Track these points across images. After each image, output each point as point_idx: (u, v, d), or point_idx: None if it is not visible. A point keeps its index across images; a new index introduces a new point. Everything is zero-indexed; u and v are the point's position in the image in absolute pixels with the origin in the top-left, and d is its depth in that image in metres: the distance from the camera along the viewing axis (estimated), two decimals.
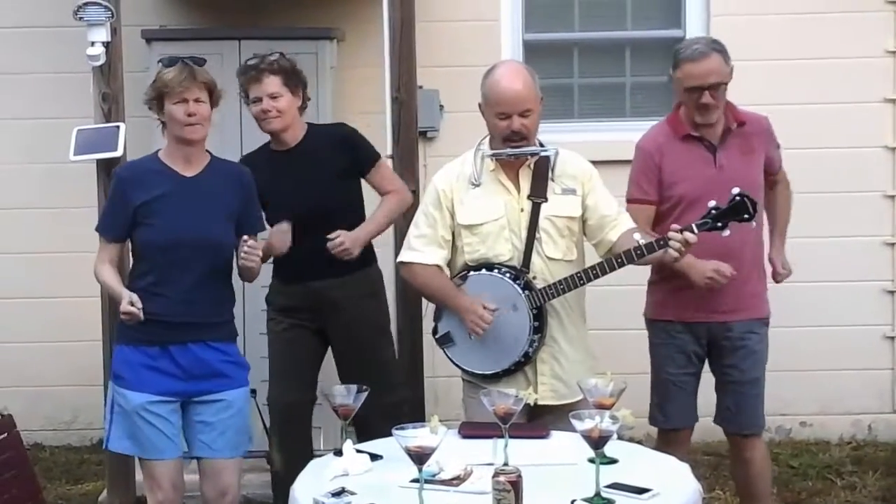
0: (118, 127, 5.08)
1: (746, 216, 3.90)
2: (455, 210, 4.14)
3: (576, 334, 4.21)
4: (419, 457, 3.03)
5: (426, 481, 3.11)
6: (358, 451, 3.51)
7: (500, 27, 6.47)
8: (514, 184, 4.13)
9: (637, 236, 3.97)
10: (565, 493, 3.11)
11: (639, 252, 3.94)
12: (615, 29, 6.64)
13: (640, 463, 3.51)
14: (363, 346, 4.79)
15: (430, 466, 3.14)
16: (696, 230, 3.88)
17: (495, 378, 4.10)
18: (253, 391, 4.63)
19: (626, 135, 6.33)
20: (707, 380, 4.66)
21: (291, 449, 4.79)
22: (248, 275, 4.21)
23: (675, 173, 4.47)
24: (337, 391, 3.56)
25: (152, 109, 4.15)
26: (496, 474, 3.03)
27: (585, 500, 3.09)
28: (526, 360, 4.10)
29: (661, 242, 3.91)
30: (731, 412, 4.58)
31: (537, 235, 4.09)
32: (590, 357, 4.26)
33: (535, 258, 4.09)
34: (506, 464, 3.17)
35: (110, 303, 4.70)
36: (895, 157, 6.43)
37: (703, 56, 4.38)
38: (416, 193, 5.01)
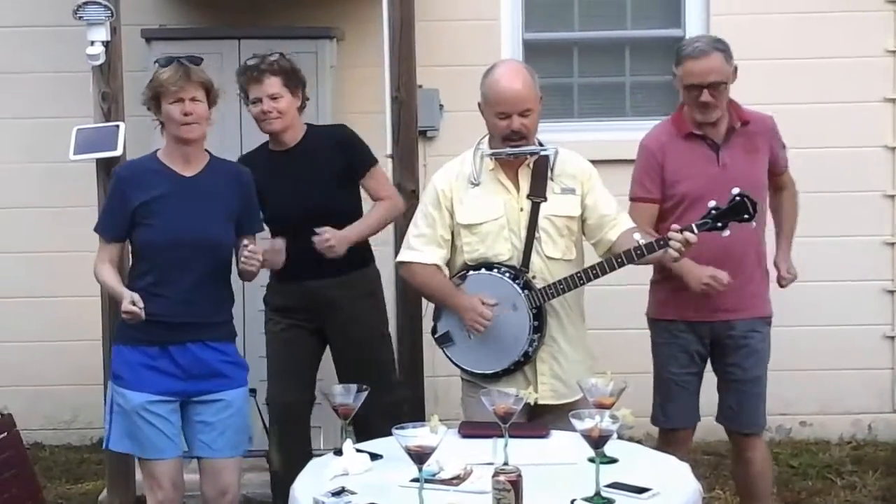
0: (118, 126, 5.08)
1: (746, 216, 3.90)
2: (454, 209, 4.14)
3: (575, 334, 4.21)
4: (419, 456, 3.03)
5: (426, 481, 3.11)
6: (358, 450, 3.51)
7: (499, 26, 6.47)
8: (513, 183, 4.13)
9: (637, 236, 3.96)
10: (565, 493, 3.11)
11: (639, 252, 3.94)
12: (615, 28, 6.64)
13: (640, 462, 3.51)
14: (361, 346, 4.79)
15: (430, 466, 3.14)
16: (695, 230, 3.88)
17: (495, 377, 4.10)
18: (253, 391, 4.63)
19: (626, 134, 6.35)
20: (707, 379, 4.65)
21: (290, 449, 4.79)
22: (248, 276, 4.21)
23: (678, 172, 4.47)
24: (337, 390, 3.56)
25: (151, 110, 4.15)
26: (496, 474, 3.03)
27: (585, 499, 3.09)
28: (525, 360, 4.10)
29: (662, 242, 3.91)
30: (734, 411, 4.58)
31: (537, 235, 4.09)
32: (589, 357, 4.26)
33: (534, 258, 4.09)
34: (506, 463, 3.17)
35: (110, 302, 4.70)
36: (895, 156, 6.43)
37: (704, 54, 4.38)
38: (415, 193, 5.01)
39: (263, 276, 4.60)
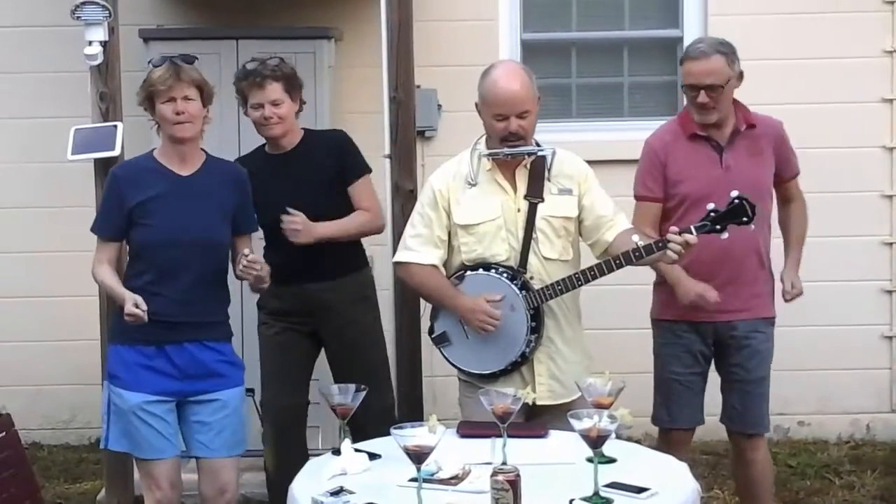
0: (115, 126, 5.08)
1: (745, 219, 3.89)
2: (451, 210, 4.14)
3: (572, 335, 4.21)
4: (417, 456, 3.03)
5: (424, 480, 3.11)
6: (356, 450, 3.51)
7: (497, 27, 6.47)
8: (510, 184, 4.13)
9: (635, 238, 3.96)
10: (564, 493, 3.11)
11: (637, 254, 3.93)
12: (613, 29, 6.64)
13: (638, 462, 3.51)
14: (355, 350, 4.78)
15: (428, 465, 3.14)
16: (694, 232, 3.88)
17: (492, 378, 4.10)
18: (251, 390, 4.63)
19: (624, 134, 6.38)
20: (709, 379, 4.65)
21: (286, 452, 4.78)
22: (257, 285, 4.20)
23: (681, 172, 4.48)
24: (335, 390, 3.57)
25: (146, 110, 4.15)
26: (494, 473, 3.03)
27: (584, 499, 3.09)
28: (523, 361, 4.10)
29: (660, 244, 3.91)
30: (737, 411, 4.58)
31: (534, 235, 4.09)
32: (586, 357, 4.25)
33: (531, 258, 4.09)
34: (504, 463, 3.17)
35: (108, 302, 4.69)
36: (893, 156, 6.44)
37: (704, 56, 4.39)
38: (413, 193, 5.00)
39: None
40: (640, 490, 3.17)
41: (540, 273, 4.09)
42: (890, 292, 6.48)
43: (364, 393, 3.55)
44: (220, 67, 5.50)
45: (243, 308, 5.15)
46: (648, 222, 4.47)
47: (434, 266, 4.17)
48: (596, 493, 3.10)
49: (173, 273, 4.04)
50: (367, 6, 6.00)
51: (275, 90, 4.62)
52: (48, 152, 5.99)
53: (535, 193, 4.10)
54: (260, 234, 4.56)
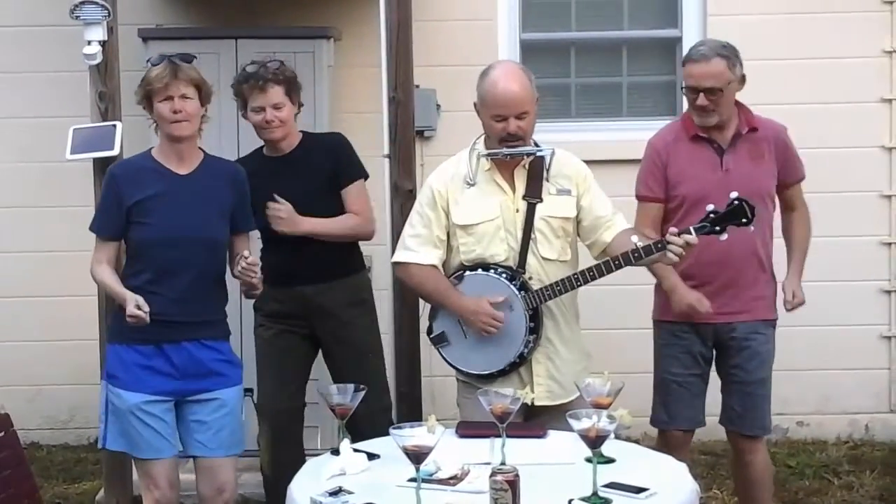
0: (115, 126, 5.08)
1: (745, 220, 3.89)
2: (450, 210, 4.13)
3: (570, 335, 4.21)
4: (416, 456, 3.03)
5: (423, 480, 3.11)
6: (355, 450, 3.51)
7: (496, 27, 6.46)
8: (509, 184, 4.13)
9: (634, 238, 3.96)
10: (562, 493, 3.12)
11: (636, 254, 3.93)
12: (612, 29, 6.64)
13: (637, 462, 3.51)
14: (352, 352, 4.77)
15: (427, 466, 3.14)
16: (693, 233, 3.87)
17: (490, 378, 4.10)
18: (249, 390, 4.63)
19: (623, 134, 6.39)
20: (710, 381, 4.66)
21: (283, 454, 4.78)
22: (250, 289, 4.20)
23: (681, 173, 4.48)
24: (333, 390, 3.57)
25: (145, 109, 4.15)
26: (493, 473, 3.03)
27: (583, 499, 3.09)
28: (521, 361, 4.10)
29: (659, 245, 3.91)
30: (736, 412, 4.58)
31: (532, 236, 4.09)
32: (585, 357, 4.25)
33: (530, 258, 4.09)
34: (503, 463, 3.17)
35: (107, 302, 4.69)
36: (892, 156, 6.44)
37: (704, 59, 4.39)
38: (412, 192, 5.00)
39: None
40: (639, 490, 3.17)
41: (539, 273, 4.09)
42: (889, 292, 6.48)
43: (363, 392, 3.55)
44: (219, 67, 5.50)
45: (242, 308, 5.15)
46: (649, 223, 4.47)
47: (433, 266, 4.17)
48: (595, 494, 3.10)
49: (172, 272, 4.04)
50: (366, 6, 6.00)
51: (276, 93, 4.61)
52: (48, 152, 5.98)
53: (533, 194, 4.10)
54: (257, 234, 4.55)
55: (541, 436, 3.77)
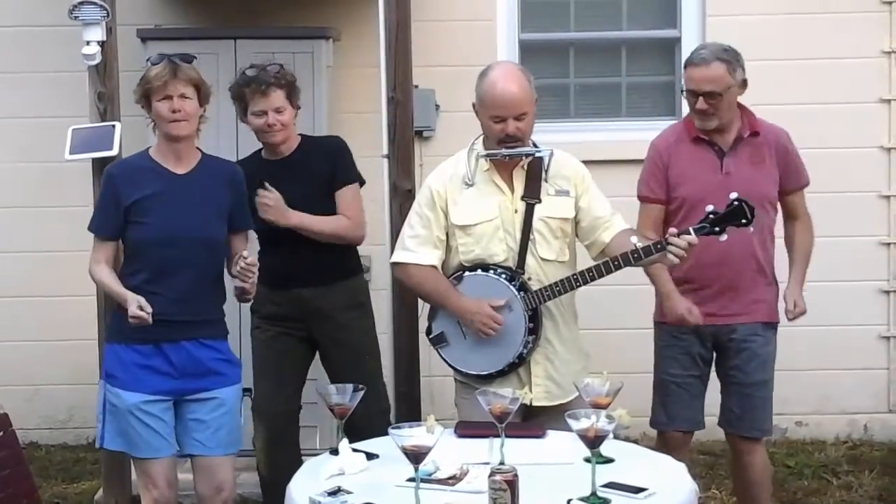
0: (114, 126, 5.07)
1: (744, 221, 3.89)
2: (449, 210, 4.13)
3: (569, 335, 4.21)
4: (415, 456, 3.03)
5: (422, 480, 3.11)
6: (354, 450, 3.51)
7: (496, 27, 6.47)
8: (507, 184, 4.13)
9: (633, 239, 3.97)
10: (561, 493, 3.12)
11: (636, 255, 3.93)
12: (611, 29, 6.64)
13: (636, 462, 3.51)
14: (349, 355, 4.76)
15: (426, 466, 3.14)
16: (693, 234, 3.87)
17: (489, 379, 4.10)
18: (248, 390, 4.63)
19: (622, 135, 6.39)
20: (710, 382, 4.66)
21: (280, 455, 4.78)
22: (243, 295, 4.21)
23: (682, 175, 4.48)
24: (332, 390, 3.56)
25: (143, 108, 4.15)
26: (492, 473, 3.03)
27: (581, 499, 3.09)
28: (520, 362, 4.10)
29: (659, 246, 3.91)
30: (735, 414, 4.58)
31: (531, 237, 4.09)
32: (583, 357, 4.26)
33: (529, 259, 4.09)
34: (502, 463, 3.17)
35: (106, 302, 4.69)
36: (890, 157, 6.44)
37: (704, 63, 4.39)
38: (411, 193, 5.00)
39: None
40: (638, 490, 3.17)
41: (537, 274, 4.09)
42: (887, 292, 6.49)
43: (362, 392, 3.55)
44: (219, 67, 5.50)
45: (241, 308, 5.14)
46: (650, 224, 4.48)
47: (433, 266, 4.17)
48: (593, 494, 3.10)
49: (170, 271, 4.04)
50: (365, 6, 6.00)
51: (278, 97, 4.61)
52: (47, 152, 5.98)
53: (532, 194, 4.10)
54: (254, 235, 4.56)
55: (539, 436, 3.77)
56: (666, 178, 4.51)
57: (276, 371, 4.79)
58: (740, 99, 4.50)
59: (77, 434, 6.55)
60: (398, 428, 3.12)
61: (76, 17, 4.99)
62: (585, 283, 4.05)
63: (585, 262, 4.13)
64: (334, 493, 3.19)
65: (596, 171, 4.26)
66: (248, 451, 4.77)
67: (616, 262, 4.00)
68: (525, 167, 4.13)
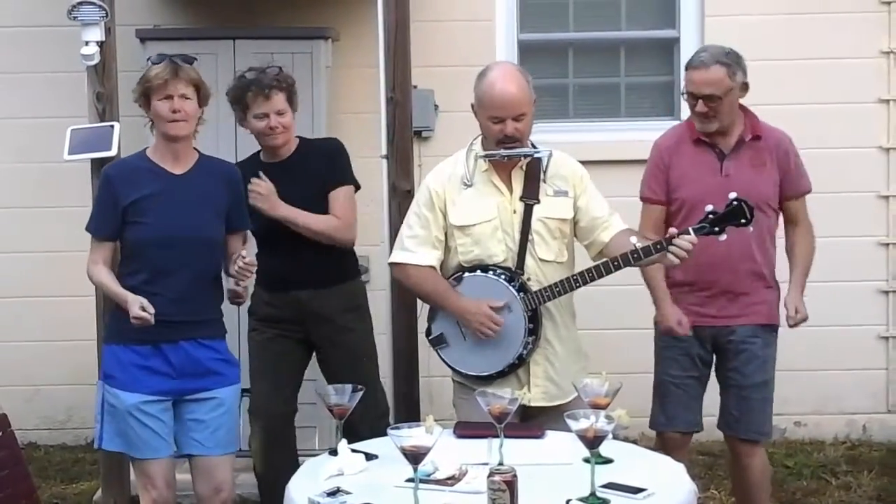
0: (112, 126, 5.07)
1: (744, 221, 3.89)
2: (447, 210, 4.13)
3: (567, 335, 4.21)
4: (414, 456, 3.03)
5: (421, 481, 3.11)
6: (353, 450, 3.50)
7: (495, 27, 6.47)
8: (506, 185, 4.13)
9: (633, 239, 3.97)
10: (560, 493, 3.12)
11: (635, 255, 3.93)
12: (610, 29, 6.64)
13: (635, 463, 3.51)
14: (347, 358, 4.75)
15: (425, 466, 3.14)
16: (692, 234, 3.87)
17: (488, 380, 4.09)
18: (245, 391, 4.62)
19: (621, 135, 6.39)
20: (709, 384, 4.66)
21: (276, 456, 4.77)
22: (237, 298, 4.20)
23: (682, 176, 4.49)
24: (331, 391, 3.56)
25: (141, 107, 4.15)
26: (491, 474, 3.03)
27: (581, 499, 3.09)
28: (520, 363, 4.10)
29: (658, 246, 3.91)
30: (733, 416, 4.57)
31: (530, 237, 4.09)
32: (581, 357, 4.25)
33: (528, 260, 4.09)
34: (501, 463, 3.17)
35: (105, 302, 4.69)
36: (889, 157, 6.44)
37: (704, 66, 4.39)
38: (410, 193, 5.00)
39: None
40: (637, 490, 3.17)
41: (536, 275, 4.09)
42: (886, 293, 6.49)
43: (361, 393, 3.55)
44: (217, 68, 5.50)
45: (240, 308, 5.14)
46: (650, 225, 4.48)
47: (431, 267, 4.16)
48: (592, 494, 3.10)
49: (168, 272, 4.04)
50: (364, 6, 6.00)
51: (280, 100, 4.61)
52: (46, 152, 5.98)
53: (530, 195, 4.10)
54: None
55: (539, 436, 3.77)
56: (667, 179, 4.51)
57: (273, 372, 4.78)
58: (743, 101, 4.50)
59: (76, 434, 6.55)
60: (397, 428, 3.12)
61: (75, 18, 4.98)
62: (585, 283, 4.05)
63: (584, 262, 4.13)
64: (333, 493, 3.19)
65: (595, 172, 4.25)
66: (244, 451, 4.78)
67: (616, 263, 3.99)
68: (524, 168, 4.12)
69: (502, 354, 4.08)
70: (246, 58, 5.28)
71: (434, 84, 6.27)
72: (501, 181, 4.12)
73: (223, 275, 4.21)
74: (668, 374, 4.57)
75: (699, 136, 4.49)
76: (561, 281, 4.05)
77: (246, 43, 5.71)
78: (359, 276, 4.94)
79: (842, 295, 6.35)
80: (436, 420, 3.10)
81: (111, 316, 4.20)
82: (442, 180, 4.17)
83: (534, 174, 4.11)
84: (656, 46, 6.64)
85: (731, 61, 4.41)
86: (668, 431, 4.60)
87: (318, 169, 4.71)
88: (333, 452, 3.51)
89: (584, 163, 4.24)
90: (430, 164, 4.54)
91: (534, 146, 4.12)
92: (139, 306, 3.91)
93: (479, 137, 4.17)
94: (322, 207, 4.69)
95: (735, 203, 3.88)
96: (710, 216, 3.89)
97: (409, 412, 5.05)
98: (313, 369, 4.92)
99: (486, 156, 4.10)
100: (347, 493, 3.20)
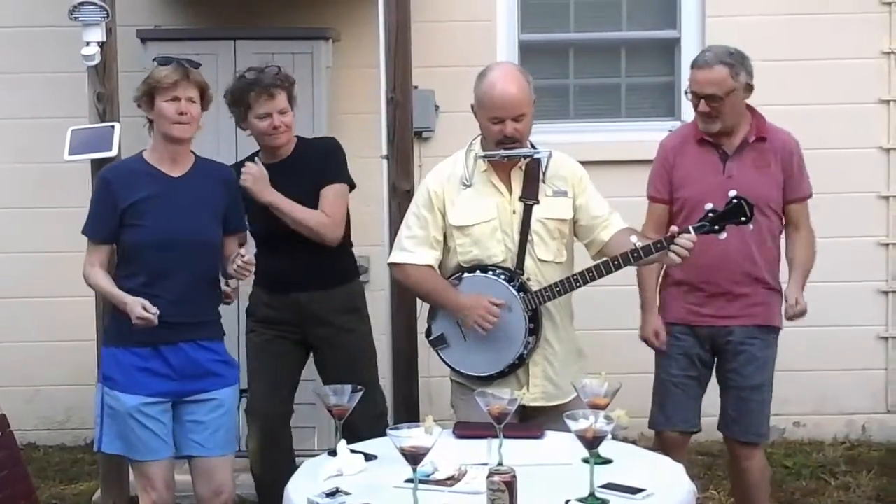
0: (113, 127, 5.07)
1: (744, 219, 3.89)
2: (447, 211, 4.13)
3: (566, 335, 4.21)
4: (413, 457, 3.03)
5: (421, 481, 3.11)
6: (352, 451, 3.50)
7: (495, 27, 6.47)
8: (505, 185, 4.13)
9: (633, 238, 3.97)
10: (560, 493, 3.12)
11: (636, 255, 3.93)
12: (610, 30, 6.64)
13: (634, 463, 3.51)
14: (345, 360, 4.74)
15: (424, 466, 3.14)
16: (692, 232, 3.87)
17: (488, 380, 4.09)
18: (243, 392, 4.62)
19: (622, 135, 6.39)
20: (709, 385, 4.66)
21: (274, 457, 4.77)
22: (225, 299, 4.21)
23: (685, 176, 4.49)
24: (330, 392, 3.56)
25: (141, 107, 4.15)
26: (491, 474, 3.03)
27: (580, 500, 3.09)
28: (520, 363, 4.10)
29: (658, 245, 3.91)
30: (732, 417, 4.57)
31: (529, 238, 4.09)
32: (580, 357, 4.25)
33: (527, 260, 4.09)
34: (500, 464, 3.17)
35: (104, 303, 4.69)
36: (889, 157, 6.44)
37: (707, 66, 4.39)
38: (410, 193, 5.00)
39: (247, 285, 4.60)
40: (636, 491, 3.17)
41: (536, 275, 4.09)
42: (886, 293, 6.49)
43: (360, 394, 3.55)
44: (218, 68, 5.50)
45: (240, 309, 5.15)
46: (652, 224, 4.48)
47: (430, 266, 4.16)
48: (592, 494, 3.10)
49: (166, 274, 4.04)
50: (364, 7, 6.01)
51: (282, 99, 4.62)
52: (46, 153, 5.98)
53: (530, 195, 4.10)
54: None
55: (538, 436, 3.77)
56: (671, 178, 4.51)
57: (271, 373, 4.78)
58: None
59: (75, 435, 6.55)
60: (396, 429, 3.12)
61: (76, 18, 4.99)
62: (585, 283, 4.05)
63: (584, 262, 4.13)
64: (332, 494, 3.19)
65: (595, 172, 4.26)
66: (243, 452, 4.77)
67: (616, 262, 3.99)
68: (523, 168, 4.12)
69: (503, 354, 4.08)
70: (247, 58, 5.28)
71: (434, 84, 6.27)
72: (501, 181, 4.12)
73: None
74: (667, 373, 4.58)
75: (703, 137, 4.49)
76: (561, 281, 4.05)
77: (246, 43, 5.72)
78: (358, 277, 4.95)
79: (842, 295, 6.35)
80: (435, 420, 3.10)
81: (110, 319, 4.20)
82: (441, 181, 4.17)
83: (533, 174, 4.11)
84: (657, 47, 6.64)
85: (735, 62, 4.40)
86: (668, 431, 4.60)
87: (312, 168, 4.70)
88: (332, 453, 3.51)
89: (584, 163, 4.24)
90: (431, 164, 4.54)
91: (533, 146, 4.12)
92: (141, 307, 3.91)
93: (479, 137, 4.17)
94: (317, 205, 4.68)
95: (735, 201, 3.88)
96: (710, 214, 3.89)
97: (409, 413, 5.05)
98: (313, 370, 4.92)
99: (485, 156, 4.10)
100: (346, 493, 3.20)
